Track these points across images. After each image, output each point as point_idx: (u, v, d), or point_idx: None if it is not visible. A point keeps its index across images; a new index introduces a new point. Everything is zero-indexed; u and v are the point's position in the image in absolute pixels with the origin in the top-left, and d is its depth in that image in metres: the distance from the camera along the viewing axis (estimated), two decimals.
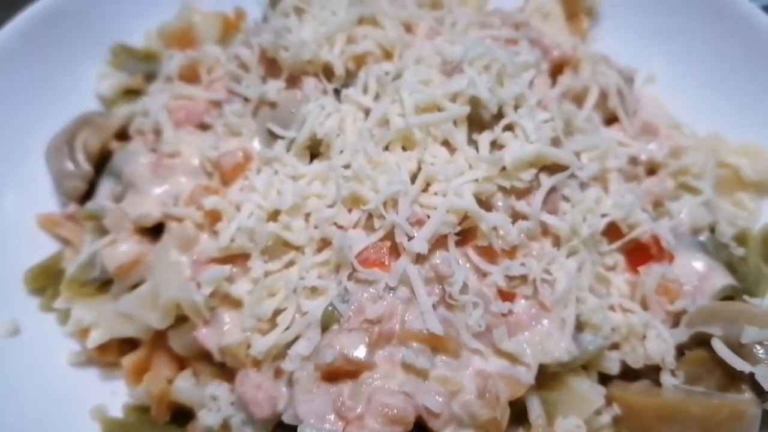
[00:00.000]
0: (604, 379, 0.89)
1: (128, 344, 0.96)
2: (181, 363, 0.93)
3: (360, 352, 0.75)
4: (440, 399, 0.75)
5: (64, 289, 0.95)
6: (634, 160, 1.04)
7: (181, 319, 0.89)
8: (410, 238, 0.82)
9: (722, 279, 0.95)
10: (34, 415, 0.90)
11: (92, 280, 0.95)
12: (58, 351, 0.97)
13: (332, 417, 0.74)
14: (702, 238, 1.00)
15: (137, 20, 1.27)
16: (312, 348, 0.79)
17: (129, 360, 0.92)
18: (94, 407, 0.91)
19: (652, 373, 0.89)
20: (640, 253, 0.94)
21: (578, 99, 1.09)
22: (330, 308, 0.80)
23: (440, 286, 0.81)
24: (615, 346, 0.89)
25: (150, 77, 1.20)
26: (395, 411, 0.72)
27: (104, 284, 0.95)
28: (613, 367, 0.88)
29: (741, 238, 1.01)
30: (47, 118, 1.13)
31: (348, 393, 0.75)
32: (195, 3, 1.29)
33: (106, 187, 1.03)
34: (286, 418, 0.77)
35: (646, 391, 0.86)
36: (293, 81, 1.00)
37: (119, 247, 0.92)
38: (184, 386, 0.89)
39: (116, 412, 0.93)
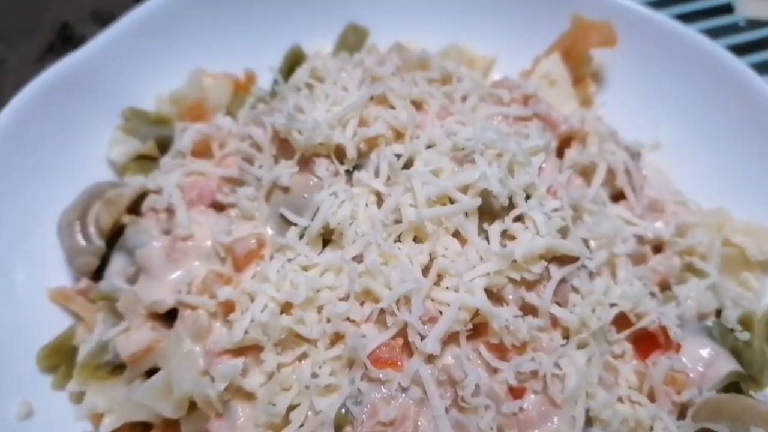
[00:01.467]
0: None
1: (140, 426, 0.97)
2: None
3: None
4: None
5: (77, 374, 0.96)
6: (640, 239, 1.06)
7: (194, 406, 0.90)
8: (422, 337, 0.83)
9: (728, 365, 0.97)
10: None
11: (105, 363, 0.96)
12: (72, 429, 0.98)
13: None
14: (708, 323, 1.01)
15: (148, 85, 1.28)
16: None
17: None
18: None
19: None
20: (647, 342, 0.95)
21: (585, 173, 1.11)
22: (343, 410, 0.81)
23: (452, 389, 0.82)
24: None
25: (161, 143, 1.21)
26: None
27: (117, 368, 0.96)
28: None
29: (746, 322, 1.02)
30: (58, 186, 1.14)
31: None
32: (205, 65, 1.31)
33: (117, 264, 1.04)
34: None
35: None
36: (305, 161, 1.01)
37: (132, 335, 0.92)
38: None
39: None
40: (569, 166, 1.09)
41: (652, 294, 0.99)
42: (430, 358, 0.83)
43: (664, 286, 1.04)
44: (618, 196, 1.12)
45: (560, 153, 1.13)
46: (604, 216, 1.02)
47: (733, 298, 1.05)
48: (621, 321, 0.95)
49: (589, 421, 0.87)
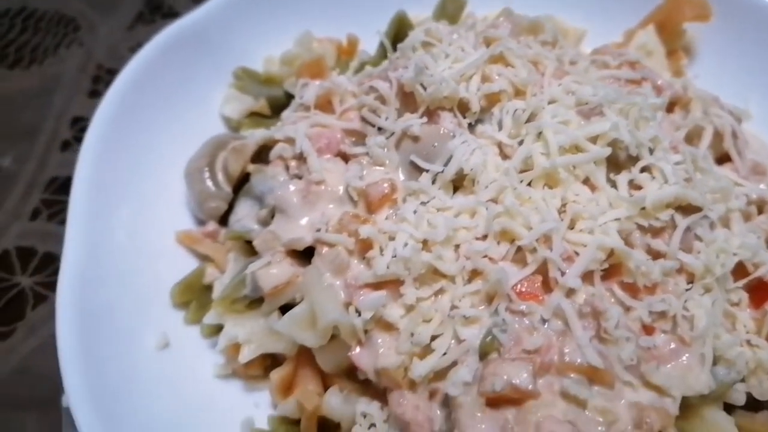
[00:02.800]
0: (728, 409, 0.94)
1: (271, 359, 1.02)
2: (324, 379, 0.98)
3: (526, 382, 0.80)
4: (601, 428, 0.80)
5: (216, 306, 1.01)
6: (746, 199, 1.09)
7: (331, 338, 0.94)
8: (562, 273, 0.87)
9: None
10: (186, 422, 0.95)
11: (242, 298, 1.00)
12: (203, 363, 1.02)
13: None
14: None
15: (256, 47, 1.33)
16: (473, 374, 0.84)
17: (276, 374, 0.98)
18: (244, 419, 0.97)
19: None
20: (763, 291, 0.99)
21: (689, 138, 1.14)
22: (489, 338, 0.85)
23: (595, 321, 0.86)
24: (741, 379, 0.94)
25: (273, 102, 1.26)
26: None
27: (253, 302, 1.01)
28: (740, 399, 0.93)
29: None
30: (178, 140, 1.20)
31: (513, 419, 0.80)
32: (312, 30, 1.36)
33: (244, 209, 1.09)
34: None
35: None
36: (429, 115, 1.05)
37: (273, 269, 0.97)
38: (335, 402, 0.94)
39: (260, 423, 0.98)
40: (675, 129, 1.13)
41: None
42: (569, 293, 0.87)
43: None
44: (722, 159, 1.15)
45: None
46: (715, 175, 1.06)
47: None
48: (738, 270, 0.98)
49: (713, 362, 0.91)
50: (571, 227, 0.92)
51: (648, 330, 0.90)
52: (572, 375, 0.82)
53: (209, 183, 1.10)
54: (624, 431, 0.81)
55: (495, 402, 0.82)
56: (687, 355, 0.89)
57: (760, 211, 1.12)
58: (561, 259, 0.88)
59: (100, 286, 1.00)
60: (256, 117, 1.26)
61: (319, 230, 0.97)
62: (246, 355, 0.98)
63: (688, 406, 0.89)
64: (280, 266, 0.97)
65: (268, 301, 0.98)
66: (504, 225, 0.90)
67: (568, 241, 0.90)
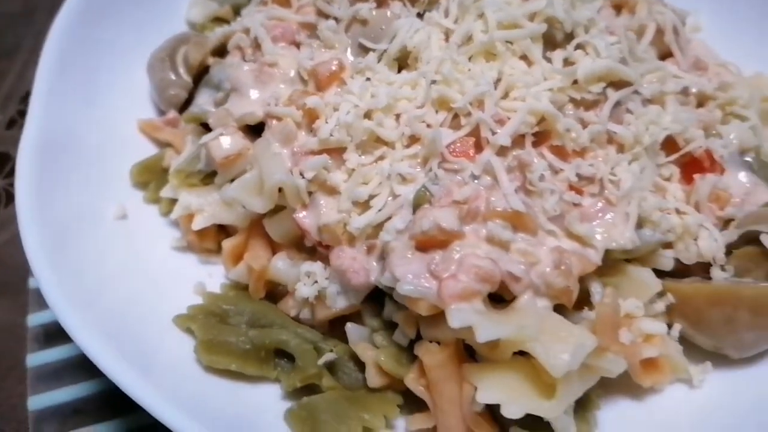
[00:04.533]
0: (658, 275, 0.99)
1: (224, 232, 1.07)
2: (274, 249, 1.03)
3: (451, 223, 0.85)
4: (522, 267, 0.85)
5: (172, 178, 1.06)
6: (685, 91, 1.13)
7: (277, 209, 0.99)
8: (494, 134, 0.92)
9: (766, 195, 1.05)
10: (146, 284, 1.00)
11: (197, 172, 1.05)
12: (162, 237, 1.07)
13: (427, 276, 0.84)
14: (748, 158, 1.09)
15: None
16: (406, 223, 0.89)
17: (228, 243, 1.03)
18: (196, 283, 1.02)
19: (701, 272, 0.99)
20: (693, 166, 1.03)
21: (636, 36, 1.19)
22: (422, 190, 0.90)
23: (521, 174, 0.91)
24: (669, 246, 0.99)
25: (237, 8, 1.30)
26: (485, 270, 0.82)
27: (208, 176, 1.06)
28: (668, 263, 0.98)
29: None
30: (143, 41, 1.24)
31: (440, 259, 0.85)
32: None
33: (204, 97, 1.14)
34: (384, 281, 0.87)
35: (700, 283, 0.96)
36: (380, 3, 1.10)
37: (225, 140, 1.02)
38: (281, 265, 0.99)
39: (214, 289, 1.03)
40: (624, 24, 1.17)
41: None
42: (500, 152, 0.92)
43: (707, 132, 1.12)
44: (665, 56, 1.20)
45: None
46: (656, 63, 1.10)
47: None
48: (670, 146, 1.03)
49: (639, 225, 0.96)
50: (506, 96, 0.97)
51: (577, 191, 0.95)
52: (497, 221, 0.87)
53: (169, 72, 1.15)
54: (543, 272, 0.85)
55: (424, 245, 0.87)
56: (612, 213, 0.94)
57: (701, 105, 1.17)
58: (493, 121, 0.92)
59: (59, 165, 1.04)
60: (220, 21, 1.30)
61: (268, 105, 1.02)
62: (199, 222, 1.03)
63: (613, 261, 0.94)
64: (232, 138, 1.02)
65: (221, 173, 1.03)
66: (441, 92, 0.95)
67: (502, 108, 0.95)
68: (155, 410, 0.80)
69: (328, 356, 0.90)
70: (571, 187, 0.94)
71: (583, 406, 0.91)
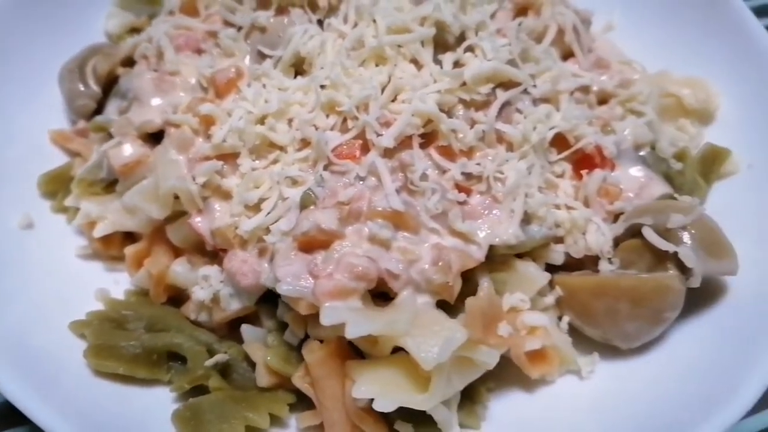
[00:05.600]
0: (551, 270, 1.01)
1: (130, 239, 1.08)
2: (177, 254, 1.04)
3: (331, 224, 0.87)
4: (400, 265, 0.87)
5: (74, 188, 1.07)
6: (586, 89, 1.16)
7: (178, 215, 1.01)
8: (379, 136, 0.94)
9: (660, 188, 1.07)
10: (48, 292, 1.01)
11: (100, 180, 1.07)
12: (67, 244, 1.09)
13: (306, 276, 0.86)
14: (643, 153, 1.11)
15: None
16: (292, 225, 0.91)
17: (131, 250, 1.04)
18: (97, 289, 1.03)
19: (592, 265, 1.01)
20: (585, 163, 1.06)
21: (539, 38, 1.21)
22: (308, 192, 0.92)
23: (403, 174, 0.93)
24: (560, 240, 1.01)
25: (153, 18, 1.32)
26: (360, 269, 0.84)
27: (110, 184, 1.07)
28: (558, 258, 1.00)
29: (680, 156, 1.13)
30: (60, 52, 1.26)
31: (321, 259, 0.87)
32: None
33: (113, 106, 1.15)
34: (267, 282, 0.89)
35: (585, 276, 0.98)
36: (281, 11, 1.12)
37: (124, 148, 1.04)
38: (180, 270, 1.00)
39: (118, 296, 1.05)
40: (520, 24, 1.20)
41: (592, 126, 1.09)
42: (386, 154, 0.94)
43: (607, 132, 1.15)
44: (567, 56, 1.22)
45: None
46: (551, 63, 1.13)
47: (670, 139, 1.16)
48: (562, 143, 1.05)
49: (528, 221, 0.98)
50: (394, 100, 0.99)
51: (464, 190, 0.97)
52: (378, 220, 0.89)
53: (78, 83, 1.16)
54: (423, 269, 0.88)
55: (307, 246, 0.89)
56: (497, 211, 0.96)
57: (603, 102, 1.20)
58: (378, 124, 0.95)
59: None
60: (136, 32, 1.31)
61: (167, 113, 1.04)
62: (100, 230, 1.04)
63: (502, 256, 0.96)
64: (131, 145, 1.04)
65: (122, 180, 1.05)
66: (329, 96, 0.97)
67: (389, 111, 0.97)
68: (40, 420, 0.81)
69: (217, 357, 0.92)
70: (459, 186, 0.96)
71: (471, 399, 0.93)
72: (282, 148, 0.99)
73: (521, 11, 1.25)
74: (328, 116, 0.99)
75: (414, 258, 0.88)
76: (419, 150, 0.96)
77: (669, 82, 1.22)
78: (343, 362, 0.87)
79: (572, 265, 1.02)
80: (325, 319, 0.81)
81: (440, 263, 0.88)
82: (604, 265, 0.99)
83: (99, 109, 1.18)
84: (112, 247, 1.07)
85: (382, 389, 0.82)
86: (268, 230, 0.93)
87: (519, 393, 0.97)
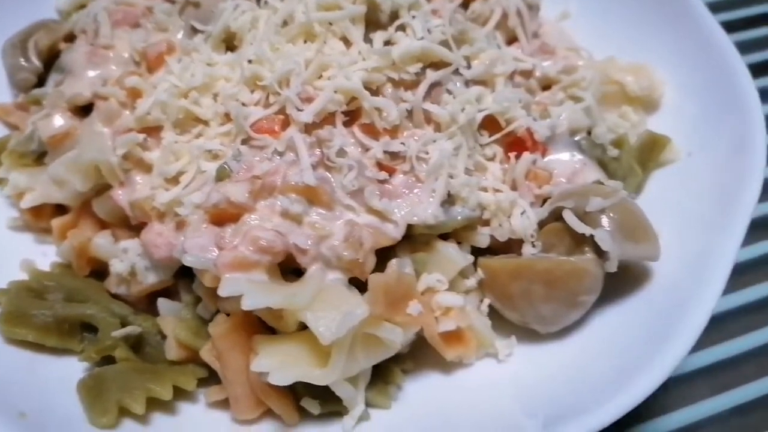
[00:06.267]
0: (478, 252, 1.00)
1: (61, 212, 1.08)
2: (104, 228, 1.04)
3: (241, 197, 0.87)
4: (309, 241, 0.86)
5: (5, 159, 1.07)
6: (527, 74, 1.15)
7: (105, 188, 1.01)
8: (300, 112, 0.94)
9: (594, 174, 1.06)
10: None
11: (31, 152, 1.07)
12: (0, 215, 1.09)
13: (213, 248, 0.85)
14: (578, 138, 1.10)
15: None
16: (205, 198, 0.90)
17: (57, 221, 1.04)
18: (22, 260, 1.03)
19: (517, 248, 1.00)
20: (516, 146, 1.04)
21: (485, 22, 1.20)
22: (224, 166, 0.92)
23: (320, 150, 0.92)
24: (486, 223, 1.00)
25: None
26: (265, 242, 0.84)
27: (40, 156, 1.07)
28: (483, 241, 0.99)
29: (618, 143, 1.12)
30: (10, 28, 1.26)
31: (230, 232, 0.87)
32: None
33: (52, 80, 1.15)
34: (176, 253, 0.89)
35: (505, 258, 0.97)
36: None
37: (54, 119, 1.04)
38: (102, 243, 1.00)
39: (45, 268, 1.05)
40: (471, 17, 1.19)
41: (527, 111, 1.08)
42: (307, 129, 0.94)
43: (544, 117, 1.13)
44: (512, 41, 1.21)
45: (465, 6, 1.23)
46: (490, 46, 1.12)
47: (610, 126, 1.14)
48: (494, 126, 1.04)
49: (452, 202, 0.97)
50: (320, 77, 0.98)
51: (387, 170, 0.96)
52: (292, 195, 0.89)
53: (20, 57, 1.17)
54: (333, 245, 0.87)
55: (218, 218, 0.89)
56: (418, 190, 0.95)
57: (547, 87, 1.19)
58: (299, 99, 0.94)
59: None
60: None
61: (96, 86, 1.04)
62: (28, 201, 1.04)
63: (425, 236, 0.95)
64: (61, 118, 1.04)
65: (51, 152, 1.05)
66: (253, 70, 0.97)
67: (314, 87, 0.97)
68: None
69: (128, 329, 0.92)
70: (382, 166, 0.95)
71: (384, 379, 0.92)
72: (206, 123, 0.99)
73: None
74: (253, 92, 0.98)
75: (325, 234, 0.87)
76: (342, 127, 0.95)
77: (614, 69, 1.21)
78: (249, 336, 0.87)
79: (499, 248, 1.01)
80: (223, 290, 0.81)
81: (350, 239, 0.87)
82: (526, 249, 0.98)
83: (41, 83, 1.18)
84: (43, 219, 1.07)
85: (282, 363, 0.82)
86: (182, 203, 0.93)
87: (436, 375, 0.96)
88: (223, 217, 0.88)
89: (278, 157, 0.92)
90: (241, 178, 0.90)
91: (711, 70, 1.16)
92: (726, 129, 1.07)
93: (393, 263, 0.89)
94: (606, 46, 1.29)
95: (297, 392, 0.88)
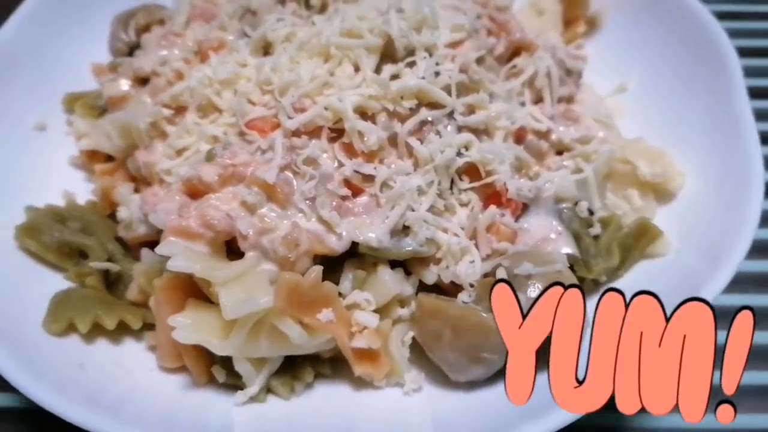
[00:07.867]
0: (426, 288, 1.04)
1: (109, 161, 1.29)
2: (132, 182, 1.23)
3: (209, 178, 1.00)
4: (251, 230, 0.97)
5: (77, 108, 1.31)
6: (543, 135, 1.17)
7: (137, 148, 1.20)
8: (290, 120, 1.05)
9: (564, 246, 1.05)
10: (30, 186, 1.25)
11: (98, 106, 1.30)
12: (69, 151, 1.32)
13: (173, 214, 0.99)
14: (562, 207, 1.09)
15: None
16: (192, 172, 1.05)
17: (100, 167, 1.25)
18: (64, 190, 1.24)
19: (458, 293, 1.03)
20: (493, 198, 1.07)
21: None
22: (214, 150, 1.06)
23: (292, 154, 1.03)
24: (438, 262, 1.04)
25: None
26: (209, 219, 0.96)
27: (104, 111, 1.29)
28: (430, 278, 1.03)
29: (606, 222, 1.10)
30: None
31: (194, 206, 1.00)
32: None
33: (136, 54, 1.38)
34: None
35: (436, 298, 1.00)
36: (281, 2, 1.28)
37: (118, 84, 1.25)
38: (122, 191, 1.18)
39: (81, 203, 1.26)
40: (512, 72, 1.23)
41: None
42: (293, 135, 1.04)
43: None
44: (540, 101, 1.23)
45: (510, 58, 1.27)
46: (503, 99, 1.15)
47: (608, 204, 1.12)
48: (475, 174, 1.07)
49: (407, 233, 1.02)
50: (320, 93, 1.09)
51: (355, 189, 1.04)
52: (254, 188, 1.00)
53: (121, 30, 1.40)
54: (272, 239, 0.97)
55: (191, 192, 1.03)
56: (374, 213, 1.02)
57: (560, 153, 1.19)
58: (293, 108, 1.05)
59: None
60: None
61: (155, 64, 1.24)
62: (83, 144, 1.26)
63: (370, 257, 1.01)
64: (123, 83, 1.25)
65: (109, 110, 1.26)
66: (267, 76, 1.10)
67: (314, 101, 1.07)
68: None
69: (107, 264, 1.08)
70: (349, 183, 1.03)
71: (292, 373, 1.00)
72: (221, 112, 1.13)
73: (516, 52, 1.28)
74: (264, 94, 1.12)
75: (269, 228, 0.98)
76: (325, 141, 1.05)
77: (633, 149, 1.17)
78: (186, 297, 0.99)
79: (446, 289, 1.04)
80: (159, 249, 0.94)
81: (288, 237, 0.96)
82: (462, 296, 1.00)
83: (130, 54, 1.42)
84: (94, 162, 1.29)
85: (191, 325, 0.93)
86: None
87: (347, 387, 1.02)
88: (195, 191, 1.02)
89: (260, 154, 1.04)
90: (222, 164, 1.03)
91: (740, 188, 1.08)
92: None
93: (314, 269, 0.96)
94: (646, 130, 1.26)
95: (214, 359, 0.98)
